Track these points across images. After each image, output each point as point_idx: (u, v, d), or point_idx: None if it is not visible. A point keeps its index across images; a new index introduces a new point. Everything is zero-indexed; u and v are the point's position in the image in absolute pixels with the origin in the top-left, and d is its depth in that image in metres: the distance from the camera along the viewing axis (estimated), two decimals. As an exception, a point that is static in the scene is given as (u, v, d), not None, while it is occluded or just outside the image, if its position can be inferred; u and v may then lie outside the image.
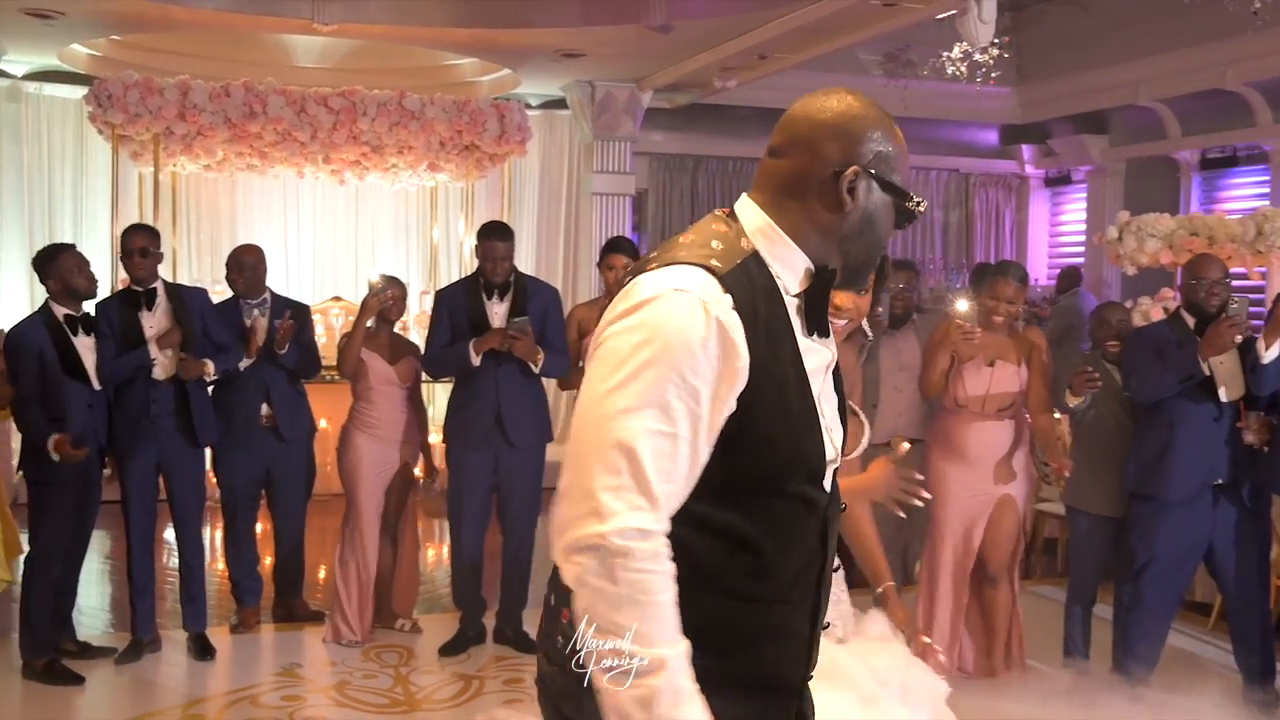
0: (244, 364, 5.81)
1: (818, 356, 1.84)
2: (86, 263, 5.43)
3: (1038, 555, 7.54)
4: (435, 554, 7.84)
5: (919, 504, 2.64)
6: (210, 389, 5.76)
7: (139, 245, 5.48)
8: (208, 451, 5.93)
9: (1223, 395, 4.87)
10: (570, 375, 5.78)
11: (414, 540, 6.10)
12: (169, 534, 6.34)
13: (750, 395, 1.72)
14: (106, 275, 8.28)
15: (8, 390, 5.29)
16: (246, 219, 10.61)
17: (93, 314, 5.45)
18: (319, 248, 10.96)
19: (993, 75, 8.95)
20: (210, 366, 5.55)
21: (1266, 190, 9.81)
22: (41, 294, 5.49)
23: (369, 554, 5.78)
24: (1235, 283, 5.30)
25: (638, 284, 1.74)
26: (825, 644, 2.04)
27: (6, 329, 5.94)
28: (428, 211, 10.84)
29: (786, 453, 1.77)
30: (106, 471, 5.52)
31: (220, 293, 6.45)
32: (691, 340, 1.67)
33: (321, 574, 6.97)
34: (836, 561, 2.76)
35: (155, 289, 5.53)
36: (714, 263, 1.74)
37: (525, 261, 10.39)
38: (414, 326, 9.16)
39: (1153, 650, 5.01)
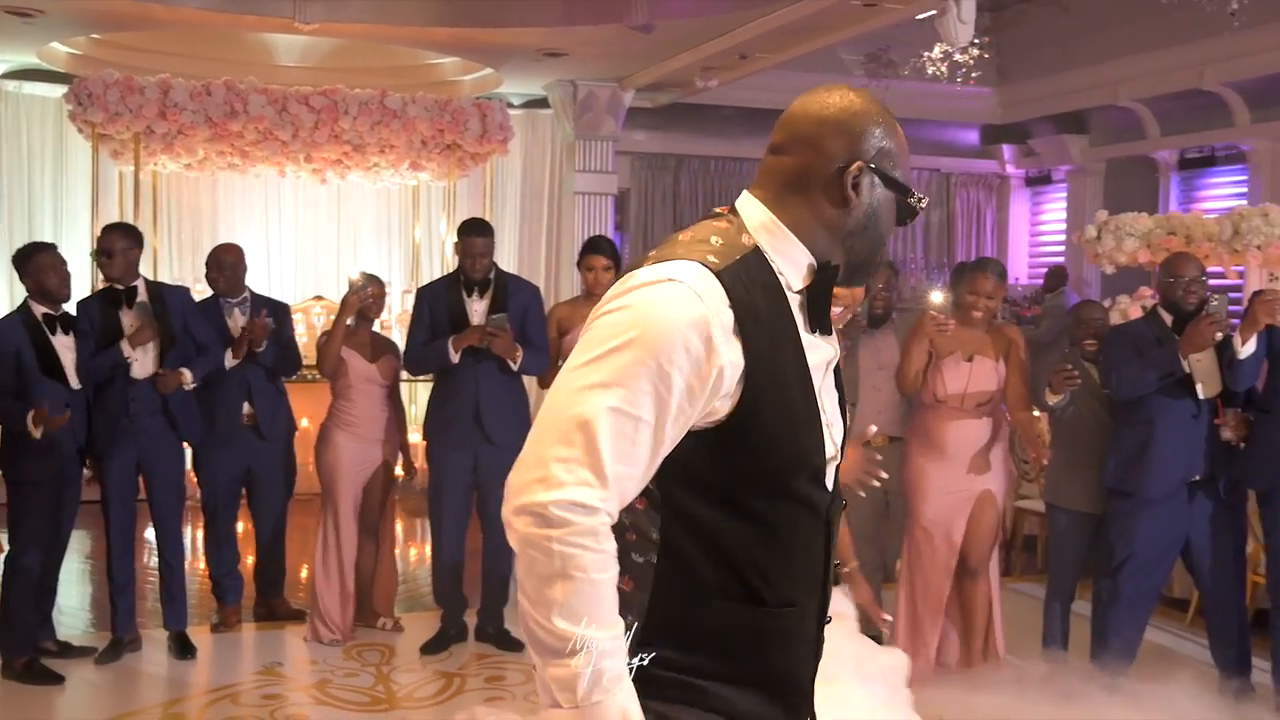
0: (230, 364, 5.80)
1: (820, 352, 1.83)
2: (63, 263, 5.41)
3: (1017, 552, 7.58)
4: (416, 552, 7.84)
5: (876, 484, 2.64)
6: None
7: (104, 246, 5.48)
8: (188, 450, 5.92)
9: (1200, 392, 4.90)
10: (549, 373, 5.79)
11: (393, 538, 6.10)
12: (149, 533, 6.32)
13: (753, 392, 1.70)
14: (86, 275, 8.25)
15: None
16: (228, 218, 10.57)
17: (73, 313, 5.43)
18: (300, 247, 10.92)
19: (973, 75, 9.00)
20: (188, 376, 5.52)
21: (1244, 190, 9.86)
22: (22, 292, 5.47)
23: (348, 552, 5.78)
24: (1212, 281, 5.33)
25: (633, 274, 1.74)
26: None
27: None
28: (409, 211, 10.81)
29: (789, 450, 1.75)
30: (87, 474, 5.51)
31: (201, 292, 6.44)
32: (675, 329, 1.64)
33: (303, 573, 6.95)
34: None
35: (135, 287, 5.52)
36: (711, 259, 1.72)
37: (507, 260, 10.39)
38: (395, 325, 9.15)
39: (1131, 645, 5.05)
